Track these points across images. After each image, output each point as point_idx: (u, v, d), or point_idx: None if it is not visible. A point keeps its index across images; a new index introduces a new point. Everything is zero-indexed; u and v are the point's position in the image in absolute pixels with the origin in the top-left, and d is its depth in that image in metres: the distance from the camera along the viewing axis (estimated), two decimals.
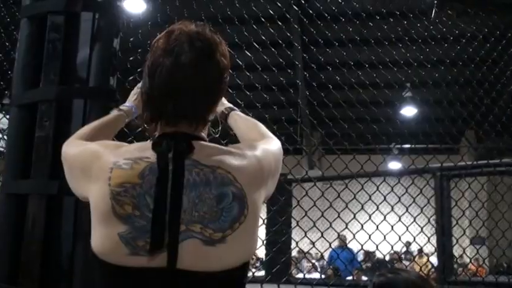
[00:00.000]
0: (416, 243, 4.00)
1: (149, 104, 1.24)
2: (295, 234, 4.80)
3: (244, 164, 1.21)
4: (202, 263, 1.12)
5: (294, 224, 4.05)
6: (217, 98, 1.28)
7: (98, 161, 1.21)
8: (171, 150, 1.17)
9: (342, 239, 8.39)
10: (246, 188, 1.18)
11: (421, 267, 4.88)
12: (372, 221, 3.22)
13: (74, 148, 1.33)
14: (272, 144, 1.37)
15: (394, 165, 11.13)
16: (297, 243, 3.67)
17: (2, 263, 1.74)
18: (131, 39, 2.38)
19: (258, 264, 10.45)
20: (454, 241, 4.57)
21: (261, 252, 8.28)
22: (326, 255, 9.18)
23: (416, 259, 7.69)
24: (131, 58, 2.15)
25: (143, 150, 1.20)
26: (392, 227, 3.26)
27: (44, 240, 1.68)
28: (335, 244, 7.67)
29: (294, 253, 8.25)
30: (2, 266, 1.73)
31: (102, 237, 1.14)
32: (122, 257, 1.12)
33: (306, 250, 6.82)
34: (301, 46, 5.25)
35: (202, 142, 1.24)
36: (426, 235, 3.64)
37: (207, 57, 1.22)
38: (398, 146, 7.43)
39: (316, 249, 3.99)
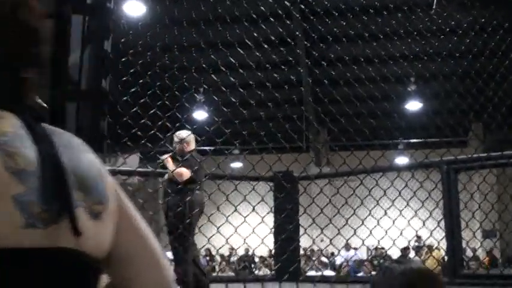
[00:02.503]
0: (418, 236, 3.95)
1: None
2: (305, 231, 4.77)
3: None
4: (85, 239, 0.81)
5: (306, 220, 3.98)
6: None
7: None
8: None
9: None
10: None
11: (424, 261, 4.85)
12: (373, 216, 3.20)
13: None
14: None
15: (402, 160, 11.09)
16: (298, 239, 3.66)
17: None
18: (122, 40, 2.39)
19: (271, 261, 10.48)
20: (465, 234, 4.52)
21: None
22: (331, 250, 9.20)
23: (425, 254, 7.66)
24: (123, 59, 2.16)
25: None
26: (393, 221, 3.24)
27: None
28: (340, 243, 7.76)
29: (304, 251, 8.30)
30: None
31: None
32: (16, 232, 0.77)
33: (318, 247, 6.79)
34: (304, 43, 5.24)
35: None
36: (427, 228, 3.61)
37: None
38: (405, 140, 7.37)
39: (317, 245, 3.97)
